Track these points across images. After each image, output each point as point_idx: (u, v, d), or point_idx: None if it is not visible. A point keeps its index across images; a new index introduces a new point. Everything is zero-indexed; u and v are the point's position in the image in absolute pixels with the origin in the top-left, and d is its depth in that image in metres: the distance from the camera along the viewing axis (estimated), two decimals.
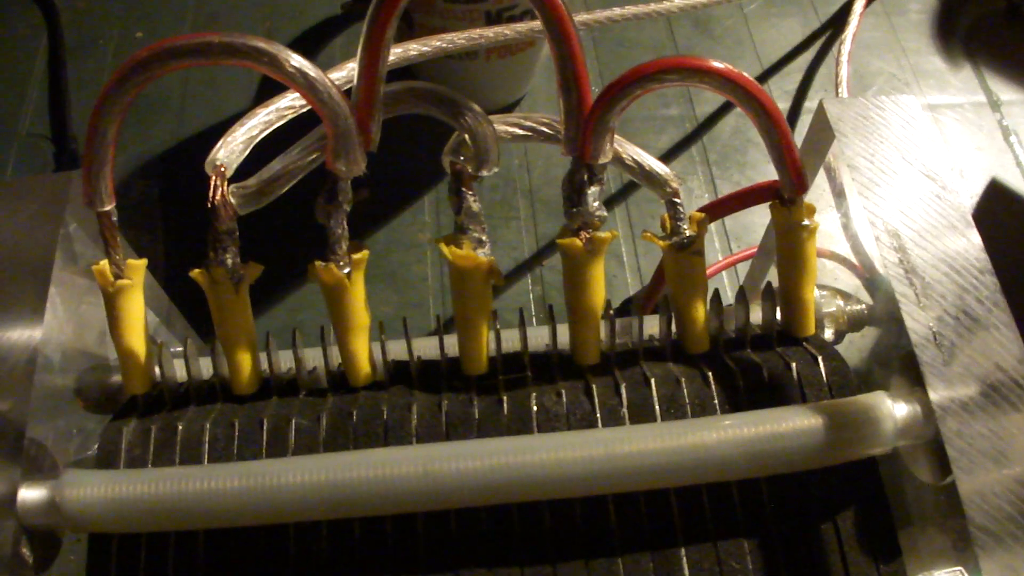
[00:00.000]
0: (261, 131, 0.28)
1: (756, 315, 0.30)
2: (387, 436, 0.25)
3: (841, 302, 0.32)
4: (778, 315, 0.29)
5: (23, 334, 0.25)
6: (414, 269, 0.49)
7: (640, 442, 0.23)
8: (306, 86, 0.24)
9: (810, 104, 0.60)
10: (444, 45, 0.33)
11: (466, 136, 0.26)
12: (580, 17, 0.44)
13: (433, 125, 0.28)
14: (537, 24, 0.37)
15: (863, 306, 0.32)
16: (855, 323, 0.31)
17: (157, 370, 0.28)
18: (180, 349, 0.29)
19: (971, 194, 0.55)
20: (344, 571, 0.24)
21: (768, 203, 0.28)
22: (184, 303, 0.36)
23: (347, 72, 0.29)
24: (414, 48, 0.31)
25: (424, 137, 0.45)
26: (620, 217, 0.52)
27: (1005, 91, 0.61)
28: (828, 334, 0.31)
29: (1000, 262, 0.27)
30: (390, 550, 0.24)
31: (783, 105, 0.59)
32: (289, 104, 0.29)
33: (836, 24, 0.64)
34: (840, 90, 0.55)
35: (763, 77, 0.61)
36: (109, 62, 0.61)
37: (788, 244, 0.28)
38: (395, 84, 0.26)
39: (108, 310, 0.27)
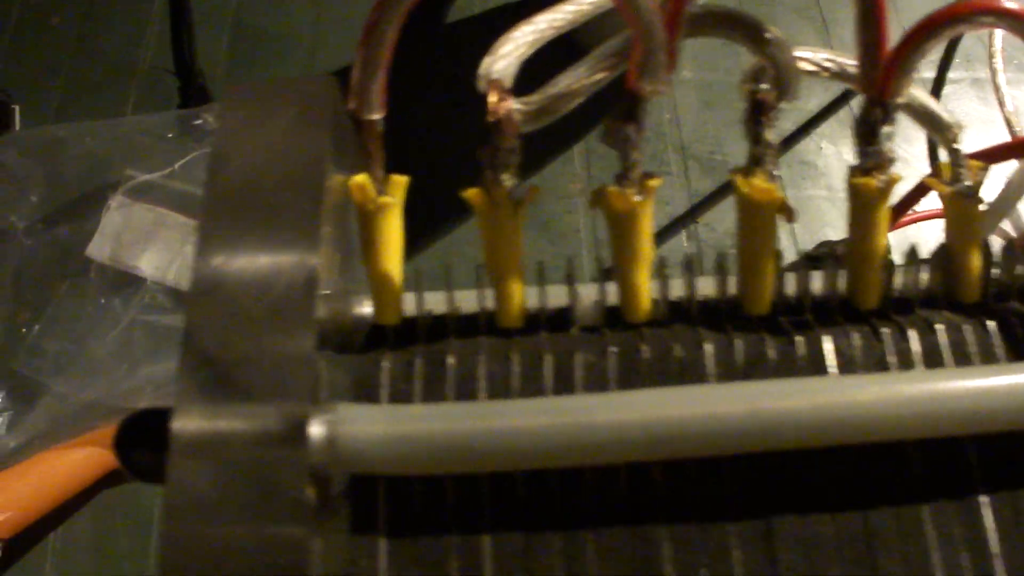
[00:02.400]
0: (530, 46, 0.27)
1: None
2: (682, 374, 0.24)
3: None
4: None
5: (299, 253, 0.23)
6: (566, 219, 0.48)
7: (961, 382, 0.22)
8: None
9: (953, 75, 0.58)
10: None
11: (767, 64, 0.25)
12: None
13: None
14: None
15: None
16: None
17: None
18: None
19: None
20: (645, 517, 0.23)
21: None
22: None
23: None
24: None
25: None
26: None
27: None
28: None
29: None
30: (694, 495, 0.23)
31: (928, 74, 0.58)
32: (548, 25, 0.28)
33: None
34: (994, 62, 0.54)
35: None
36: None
37: None
38: (696, 5, 0.24)
39: (364, 230, 0.26)
